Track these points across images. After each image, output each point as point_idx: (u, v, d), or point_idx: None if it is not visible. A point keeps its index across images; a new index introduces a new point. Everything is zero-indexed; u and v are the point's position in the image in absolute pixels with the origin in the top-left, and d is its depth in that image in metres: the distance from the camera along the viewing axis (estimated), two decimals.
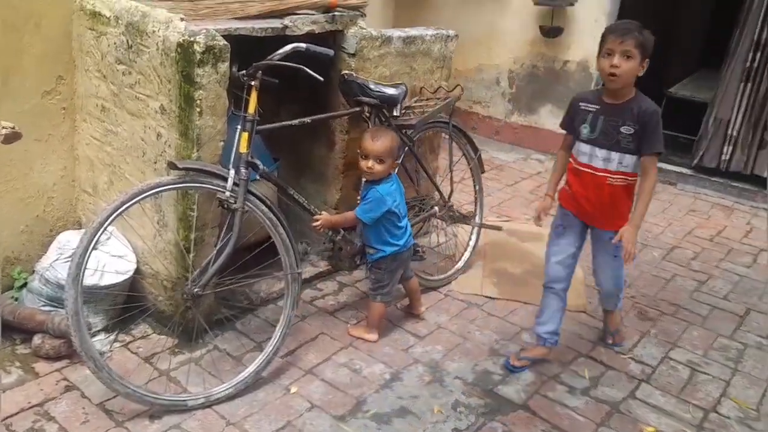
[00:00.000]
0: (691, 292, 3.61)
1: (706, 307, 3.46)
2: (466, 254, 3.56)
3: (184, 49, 2.33)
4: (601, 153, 2.53)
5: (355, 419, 2.41)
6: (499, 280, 3.52)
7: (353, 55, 2.99)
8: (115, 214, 2.24)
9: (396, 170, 2.78)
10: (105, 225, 2.23)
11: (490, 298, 3.35)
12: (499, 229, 3.76)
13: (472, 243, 3.59)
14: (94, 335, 2.61)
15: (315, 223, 2.73)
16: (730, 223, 4.67)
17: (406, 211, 2.86)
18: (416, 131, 3.07)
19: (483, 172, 3.60)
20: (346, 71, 2.98)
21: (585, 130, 2.54)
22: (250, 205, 2.43)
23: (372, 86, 2.89)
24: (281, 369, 2.64)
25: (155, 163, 2.58)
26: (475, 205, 3.64)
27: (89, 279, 2.47)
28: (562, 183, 2.77)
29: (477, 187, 3.62)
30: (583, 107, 2.56)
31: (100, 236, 2.24)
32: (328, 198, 3.32)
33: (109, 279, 2.64)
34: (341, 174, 3.24)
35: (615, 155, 2.51)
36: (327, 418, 2.40)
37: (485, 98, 6.12)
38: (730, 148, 5.28)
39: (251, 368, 2.50)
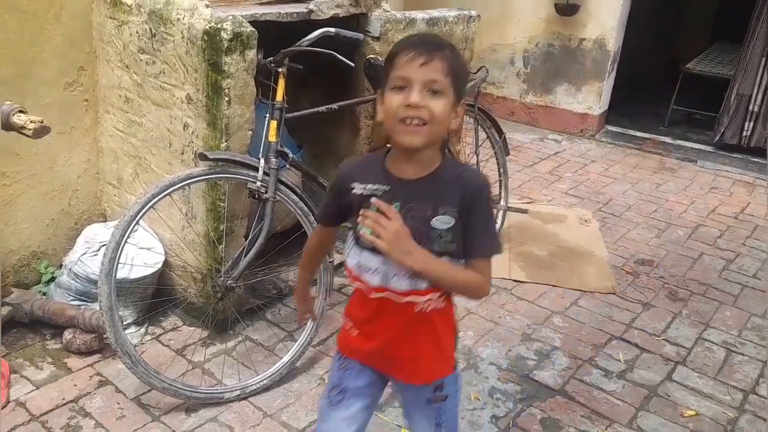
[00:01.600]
0: (719, 271, 3.57)
1: (736, 286, 3.42)
2: None
3: (211, 36, 2.27)
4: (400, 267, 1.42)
5: (393, 408, 2.38)
6: (526, 264, 3.48)
7: (378, 38, 2.94)
8: (146, 207, 2.21)
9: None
10: (137, 218, 2.19)
11: (518, 281, 3.32)
12: (525, 212, 3.72)
13: (498, 227, 3.55)
14: (125, 329, 2.58)
15: None
16: (753, 200, 4.62)
17: None
18: None
19: (508, 154, 3.55)
20: (372, 55, 2.92)
21: (368, 229, 1.38)
22: (281, 195, 2.39)
23: None
24: (314, 359, 2.61)
25: (182, 153, 2.53)
26: (500, 188, 3.59)
27: (119, 273, 2.45)
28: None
29: (502, 170, 3.57)
30: (358, 190, 1.44)
31: (131, 230, 2.21)
32: None
33: (139, 272, 2.61)
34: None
35: None
36: None
37: (499, 79, 6.04)
38: (752, 123, 5.22)
39: (286, 359, 2.47)
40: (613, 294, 3.26)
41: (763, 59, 5.03)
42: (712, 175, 5.05)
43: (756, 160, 5.28)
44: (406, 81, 1.34)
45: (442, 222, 1.40)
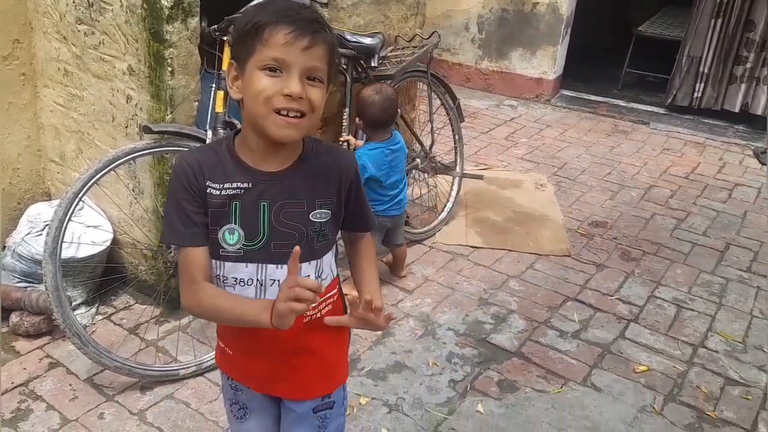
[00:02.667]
0: (671, 231, 3.65)
1: (687, 244, 3.50)
2: (449, 205, 3.52)
3: (151, 4, 2.19)
4: (280, 272, 1.27)
5: (351, 377, 2.38)
6: (483, 229, 3.50)
7: (326, 4, 2.86)
8: (89, 184, 2.14)
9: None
10: (80, 196, 2.13)
11: (475, 247, 3.34)
12: (480, 177, 3.73)
13: (453, 193, 3.55)
14: (75, 309, 2.53)
15: None
16: (704, 160, 4.71)
17: (399, 181, 2.77)
18: (395, 81, 2.98)
19: (462, 121, 3.54)
20: None
21: (231, 237, 1.25)
22: None
23: (348, 37, 2.79)
24: None
25: (126, 127, 2.46)
26: (455, 155, 3.59)
27: (65, 252, 2.38)
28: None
29: (456, 137, 3.56)
30: (214, 191, 1.23)
31: (75, 208, 2.14)
32: None
33: (86, 250, 2.54)
34: (319, 129, 3.14)
35: (308, 267, 1.30)
36: None
37: (454, 45, 6.00)
38: (702, 85, 5.30)
39: None
40: (568, 256, 3.30)
41: (713, 21, 5.09)
42: (665, 137, 5.13)
43: (706, 121, 5.38)
44: (283, 65, 1.14)
45: (321, 215, 1.27)
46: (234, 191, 1.23)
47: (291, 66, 1.14)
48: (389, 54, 3.15)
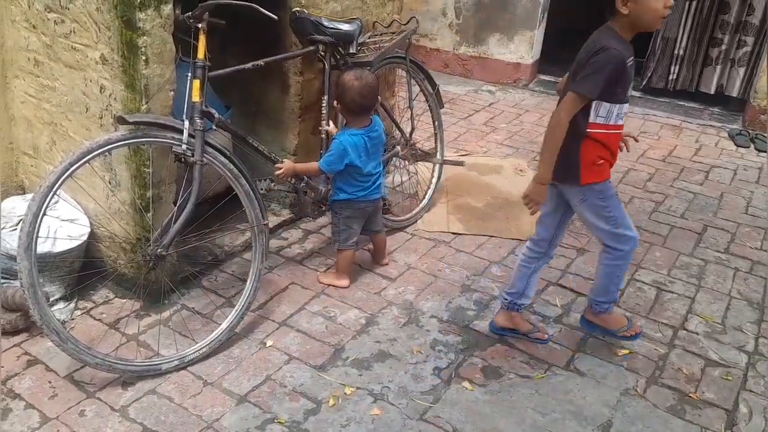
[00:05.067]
0: (649, 213, 3.68)
1: (665, 226, 3.53)
2: (430, 192, 3.51)
3: None
4: (627, 106, 2.19)
5: (336, 368, 2.38)
6: (464, 216, 3.50)
7: None
8: (63, 177, 2.09)
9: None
10: (54, 189, 2.08)
11: (457, 234, 3.33)
12: (461, 164, 3.72)
13: (434, 180, 3.54)
14: (52, 305, 2.48)
15: (278, 172, 2.63)
16: (680, 143, 4.75)
17: (376, 166, 2.75)
18: (373, 68, 2.95)
19: (442, 107, 3.53)
20: (297, 8, 2.82)
21: (630, 88, 2.17)
22: (209, 157, 2.30)
23: (326, 23, 2.75)
24: (255, 323, 2.57)
25: (101, 118, 2.40)
26: (436, 141, 3.58)
27: (41, 247, 2.33)
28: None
29: (436, 123, 3.55)
30: (630, 64, 2.10)
31: (49, 202, 2.09)
32: (286, 144, 3.20)
33: (63, 245, 2.49)
34: (298, 118, 3.11)
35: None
36: (307, 369, 2.36)
37: (432, 30, 5.97)
38: (677, 67, 5.34)
39: (224, 325, 2.42)
40: None
41: (687, 3, 5.12)
42: (641, 120, 5.16)
43: (682, 103, 5.42)
44: None
45: None
46: (631, 62, 2.12)
47: None
48: (367, 40, 3.11)
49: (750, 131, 4.92)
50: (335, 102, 2.73)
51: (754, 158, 4.57)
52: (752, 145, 4.75)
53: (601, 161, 2.21)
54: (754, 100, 4.98)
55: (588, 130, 2.15)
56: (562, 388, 2.35)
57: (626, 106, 2.17)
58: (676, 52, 5.28)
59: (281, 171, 2.63)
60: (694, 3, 5.11)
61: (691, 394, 2.36)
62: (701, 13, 5.13)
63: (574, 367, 2.46)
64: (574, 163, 2.19)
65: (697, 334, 2.68)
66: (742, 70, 5.13)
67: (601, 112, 2.12)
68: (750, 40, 5.04)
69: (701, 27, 5.16)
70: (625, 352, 2.55)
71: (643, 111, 5.31)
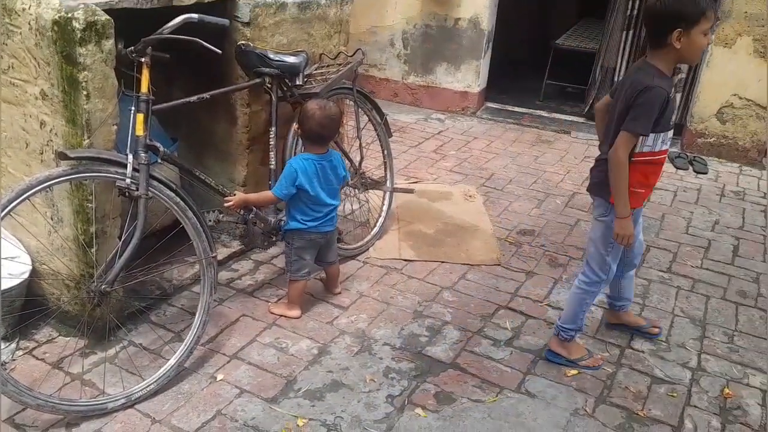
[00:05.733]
0: None
1: None
2: (381, 219, 3.54)
3: (62, 27, 2.12)
4: (671, 132, 2.38)
5: (288, 399, 2.36)
6: (415, 242, 3.53)
7: (248, 23, 2.85)
8: (1, 215, 2.03)
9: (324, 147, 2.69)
10: None
11: (408, 260, 3.36)
12: (411, 191, 3.77)
13: (385, 208, 3.57)
14: None
15: (227, 204, 2.62)
16: None
17: (333, 198, 2.75)
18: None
19: (390, 136, 3.57)
20: (242, 41, 2.84)
21: (673, 116, 2.37)
22: (154, 191, 2.28)
23: (272, 56, 2.78)
24: (205, 357, 2.53)
25: (41, 153, 2.36)
26: (385, 170, 3.62)
27: None
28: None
29: (385, 152, 3.59)
30: (671, 97, 2.26)
31: None
32: (234, 175, 3.19)
33: (3, 284, 2.42)
34: (246, 150, 3.11)
35: None
36: (258, 402, 2.33)
37: (380, 60, 6.07)
38: None
39: (172, 360, 2.38)
40: (499, 265, 3.37)
41: (624, 33, 5.34)
42: (585, 145, 5.31)
43: None
44: (707, 29, 2.18)
45: None
46: (672, 95, 2.25)
47: (708, 30, 2.19)
48: (314, 72, 3.15)
49: (688, 154, 5.12)
50: (296, 126, 2.75)
51: (692, 180, 4.75)
52: (690, 167, 4.93)
53: (639, 190, 2.39)
54: (691, 124, 5.20)
55: (634, 159, 2.31)
56: (513, 411, 2.38)
57: (670, 132, 2.36)
58: (615, 79, 5.48)
59: (231, 203, 2.62)
60: (631, 33, 5.33)
61: (638, 412, 2.41)
62: (638, 43, 5.35)
63: (525, 389, 2.49)
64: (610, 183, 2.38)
65: (643, 352, 2.75)
66: (678, 96, 5.35)
67: (648, 142, 2.31)
68: (684, 67, 5.26)
69: (638, 55, 5.37)
70: (574, 372, 2.59)
71: (586, 136, 5.47)
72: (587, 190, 2.60)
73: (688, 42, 2.18)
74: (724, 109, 5.04)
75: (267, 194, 2.69)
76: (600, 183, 2.44)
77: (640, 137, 2.29)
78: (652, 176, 2.43)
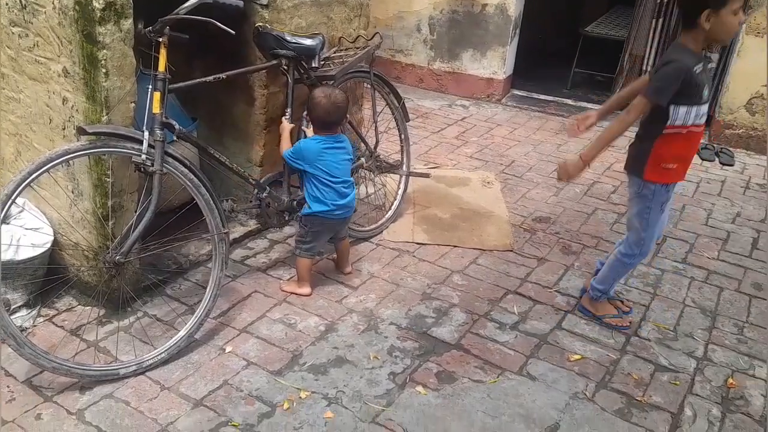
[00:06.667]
0: (611, 224, 3.76)
1: None
2: (396, 203, 3.58)
3: (83, 6, 2.20)
4: (706, 107, 2.42)
5: (292, 372, 2.43)
6: (429, 227, 3.57)
7: (266, 6, 2.90)
8: (22, 186, 2.13)
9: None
10: (12, 198, 2.12)
11: (421, 244, 3.40)
12: (427, 176, 3.79)
13: (400, 192, 3.61)
14: (14, 311, 2.52)
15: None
16: None
17: (343, 174, 2.81)
18: (337, 82, 3.03)
19: (407, 120, 3.60)
20: (260, 24, 2.89)
21: (705, 91, 2.38)
22: (169, 167, 2.36)
23: (288, 38, 2.83)
24: (215, 330, 2.62)
25: (64, 129, 2.46)
26: (402, 154, 3.65)
27: (4, 254, 2.38)
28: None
29: (402, 136, 3.62)
30: (697, 71, 2.31)
31: (8, 210, 2.14)
32: (252, 155, 3.26)
33: (26, 253, 2.53)
34: (264, 130, 3.18)
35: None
36: (263, 374, 2.41)
37: (407, 46, 6.08)
38: None
39: (182, 332, 2.47)
40: (511, 251, 3.39)
41: (654, 21, 5.26)
42: None
43: None
44: (738, 8, 2.23)
45: None
46: (700, 68, 2.33)
47: (739, 7, 2.24)
48: (332, 55, 3.19)
49: (715, 145, 5.04)
50: (305, 113, 2.85)
51: (717, 171, 4.68)
52: (717, 159, 4.86)
53: (671, 165, 2.47)
54: (719, 115, 5.11)
55: (665, 131, 2.40)
56: (513, 392, 2.41)
57: (705, 107, 2.40)
58: (643, 68, 5.41)
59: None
60: (661, 21, 5.25)
61: (638, 398, 2.42)
62: (668, 31, 5.26)
63: (526, 372, 2.52)
64: (644, 159, 2.49)
65: (649, 340, 2.75)
66: (707, 85, 5.25)
67: (679, 114, 2.37)
68: (715, 57, 5.16)
69: (668, 44, 5.29)
70: (577, 357, 2.61)
71: None
72: (624, 168, 2.67)
73: (718, 22, 2.26)
74: (754, 99, 4.94)
75: (283, 147, 2.85)
76: (634, 158, 2.55)
77: (671, 108, 2.35)
78: (684, 150, 2.48)
